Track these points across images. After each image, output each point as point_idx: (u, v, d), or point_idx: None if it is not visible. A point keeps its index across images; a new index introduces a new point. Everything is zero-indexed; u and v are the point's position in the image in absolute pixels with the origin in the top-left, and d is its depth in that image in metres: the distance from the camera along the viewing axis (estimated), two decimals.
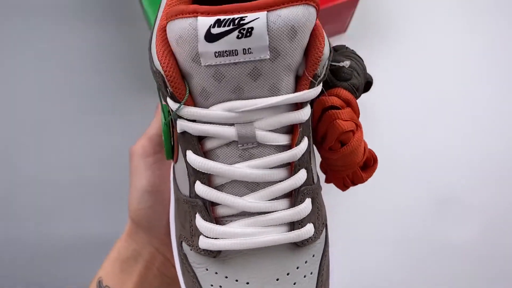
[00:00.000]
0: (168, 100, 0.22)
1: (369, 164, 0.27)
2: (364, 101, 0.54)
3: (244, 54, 0.19)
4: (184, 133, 0.22)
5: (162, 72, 0.21)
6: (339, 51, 0.28)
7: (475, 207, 0.52)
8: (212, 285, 0.23)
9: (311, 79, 0.21)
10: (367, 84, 0.28)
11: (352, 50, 0.28)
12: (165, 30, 0.21)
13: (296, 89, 0.21)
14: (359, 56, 0.27)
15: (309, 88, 0.21)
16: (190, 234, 0.23)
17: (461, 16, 0.58)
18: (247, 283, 0.22)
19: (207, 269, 0.23)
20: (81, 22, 0.55)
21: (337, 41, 0.56)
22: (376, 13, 0.57)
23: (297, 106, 0.22)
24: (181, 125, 0.22)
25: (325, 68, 0.22)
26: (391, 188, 0.52)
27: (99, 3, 0.56)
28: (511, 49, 0.57)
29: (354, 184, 0.28)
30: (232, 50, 0.19)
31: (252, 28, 0.18)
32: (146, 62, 0.57)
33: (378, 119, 0.54)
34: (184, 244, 0.24)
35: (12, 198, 0.50)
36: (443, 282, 0.50)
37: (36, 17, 0.55)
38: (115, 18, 0.56)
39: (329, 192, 0.52)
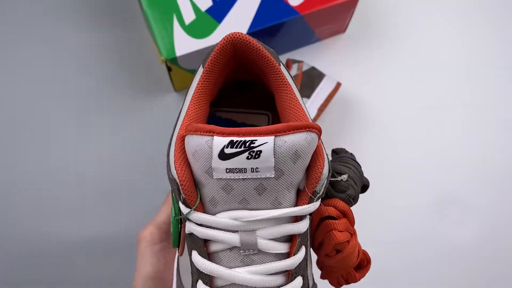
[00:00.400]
0: (180, 204, 0.24)
1: (362, 265, 0.29)
2: (364, 100, 0.55)
3: (252, 172, 0.22)
4: (192, 234, 0.24)
5: (178, 181, 0.23)
6: (339, 155, 0.30)
7: (475, 208, 0.52)
8: None
9: (310, 195, 0.23)
10: (364, 187, 0.30)
11: (351, 154, 0.30)
12: (183, 140, 0.24)
13: (296, 203, 0.23)
14: (357, 163, 0.29)
15: (308, 203, 0.23)
16: None
17: (461, 17, 0.58)
18: None
19: None
20: (80, 22, 0.56)
21: (337, 40, 0.56)
22: (375, 13, 0.57)
23: (297, 218, 0.24)
24: (189, 227, 0.24)
25: (324, 186, 0.24)
26: (391, 189, 0.52)
27: (99, 3, 0.56)
28: (510, 47, 0.57)
29: (348, 283, 0.29)
30: (242, 168, 0.21)
31: (260, 151, 0.21)
32: (146, 62, 0.57)
33: (378, 119, 0.54)
34: None
35: (13, 198, 0.51)
36: (443, 283, 0.50)
37: (36, 17, 0.55)
38: (115, 19, 0.56)
39: None
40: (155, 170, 0.51)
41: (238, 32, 0.26)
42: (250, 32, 0.47)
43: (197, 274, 0.24)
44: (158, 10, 0.47)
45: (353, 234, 0.27)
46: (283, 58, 0.55)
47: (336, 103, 0.54)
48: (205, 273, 0.24)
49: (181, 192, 0.23)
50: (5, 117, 0.53)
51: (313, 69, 0.51)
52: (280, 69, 0.27)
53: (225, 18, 0.47)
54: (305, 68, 0.51)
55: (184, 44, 0.46)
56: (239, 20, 0.47)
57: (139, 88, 0.54)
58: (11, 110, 0.53)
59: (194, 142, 0.22)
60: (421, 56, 0.56)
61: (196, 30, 0.46)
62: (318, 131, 0.22)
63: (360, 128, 0.54)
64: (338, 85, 0.51)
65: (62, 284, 0.49)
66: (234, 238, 0.23)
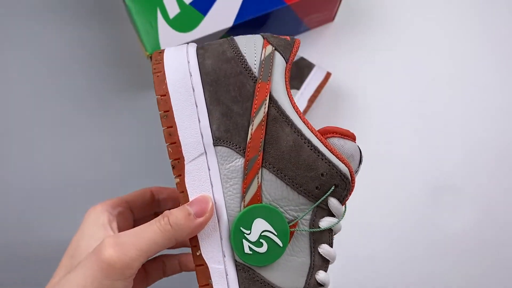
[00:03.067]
0: (334, 202, 0.27)
1: None
2: (355, 90, 0.54)
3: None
4: (325, 230, 0.27)
5: (349, 177, 0.26)
6: None
7: (469, 195, 0.52)
8: None
9: None
10: None
11: None
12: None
13: None
14: None
15: None
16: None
17: (452, 4, 0.57)
18: None
19: None
20: (64, 21, 0.55)
21: (325, 30, 0.55)
22: (363, 1, 0.57)
23: None
24: (331, 223, 0.27)
25: None
26: (384, 178, 0.52)
27: (84, 3, 0.55)
28: (505, 34, 0.56)
29: None
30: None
31: None
32: (133, 60, 0.56)
33: (369, 108, 0.54)
34: None
35: (2, 200, 0.50)
36: (437, 270, 0.50)
37: (24, 18, 0.54)
38: (101, 18, 0.55)
39: None
40: (144, 168, 0.50)
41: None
42: (236, 24, 0.46)
43: (321, 266, 0.28)
44: (141, 5, 0.46)
45: None
46: None
47: (326, 94, 0.53)
48: (330, 260, 0.28)
49: (348, 189, 0.26)
50: None
51: (302, 59, 0.50)
52: None
53: (210, 10, 0.46)
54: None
55: (169, 39, 0.45)
56: (224, 12, 0.46)
57: (127, 88, 0.53)
58: None
59: (351, 146, 0.26)
60: (411, 43, 0.55)
61: (181, 23, 0.45)
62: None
63: (351, 118, 0.53)
64: (328, 75, 0.50)
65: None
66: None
